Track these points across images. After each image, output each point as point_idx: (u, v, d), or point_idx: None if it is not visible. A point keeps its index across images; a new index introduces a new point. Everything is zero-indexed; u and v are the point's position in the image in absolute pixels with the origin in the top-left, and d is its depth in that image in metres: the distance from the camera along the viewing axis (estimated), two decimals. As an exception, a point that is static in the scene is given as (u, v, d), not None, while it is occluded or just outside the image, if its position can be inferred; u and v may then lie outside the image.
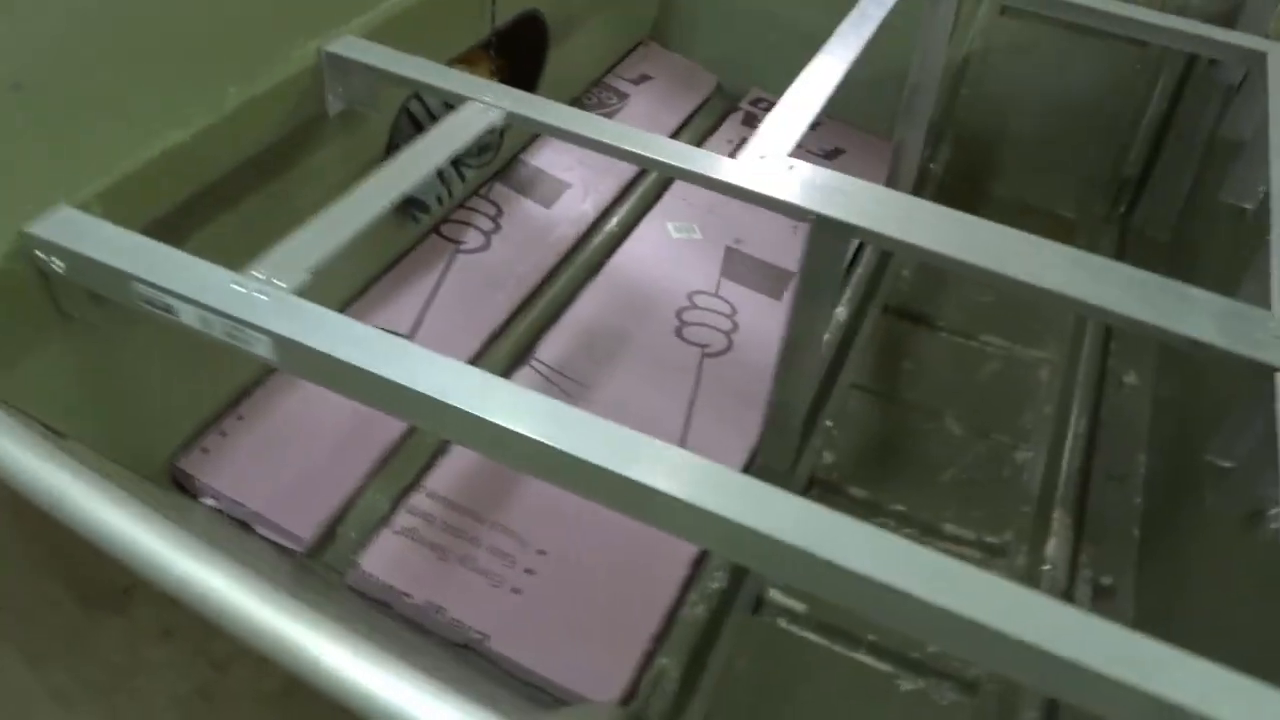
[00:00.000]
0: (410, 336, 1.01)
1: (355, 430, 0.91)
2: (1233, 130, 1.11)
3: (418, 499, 0.88)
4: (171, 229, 0.73)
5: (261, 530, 0.84)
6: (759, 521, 0.51)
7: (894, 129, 1.28)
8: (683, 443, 0.98)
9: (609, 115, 1.37)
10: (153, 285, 0.60)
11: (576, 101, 1.38)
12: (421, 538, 0.86)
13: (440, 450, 0.93)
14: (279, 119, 0.81)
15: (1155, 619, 0.92)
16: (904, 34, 1.14)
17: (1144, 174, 1.42)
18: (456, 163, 1.11)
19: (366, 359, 0.57)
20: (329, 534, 0.85)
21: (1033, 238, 0.73)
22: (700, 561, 0.90)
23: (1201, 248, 1.23)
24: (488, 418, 0.55)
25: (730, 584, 0.90)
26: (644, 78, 1.47)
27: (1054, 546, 0.98)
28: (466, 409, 0.55)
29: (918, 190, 1.44)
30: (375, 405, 0.59)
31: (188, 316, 0.60)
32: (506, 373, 1.01)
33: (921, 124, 1.27)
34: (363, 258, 1.04)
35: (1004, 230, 0.73)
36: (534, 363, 1.03)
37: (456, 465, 0.92)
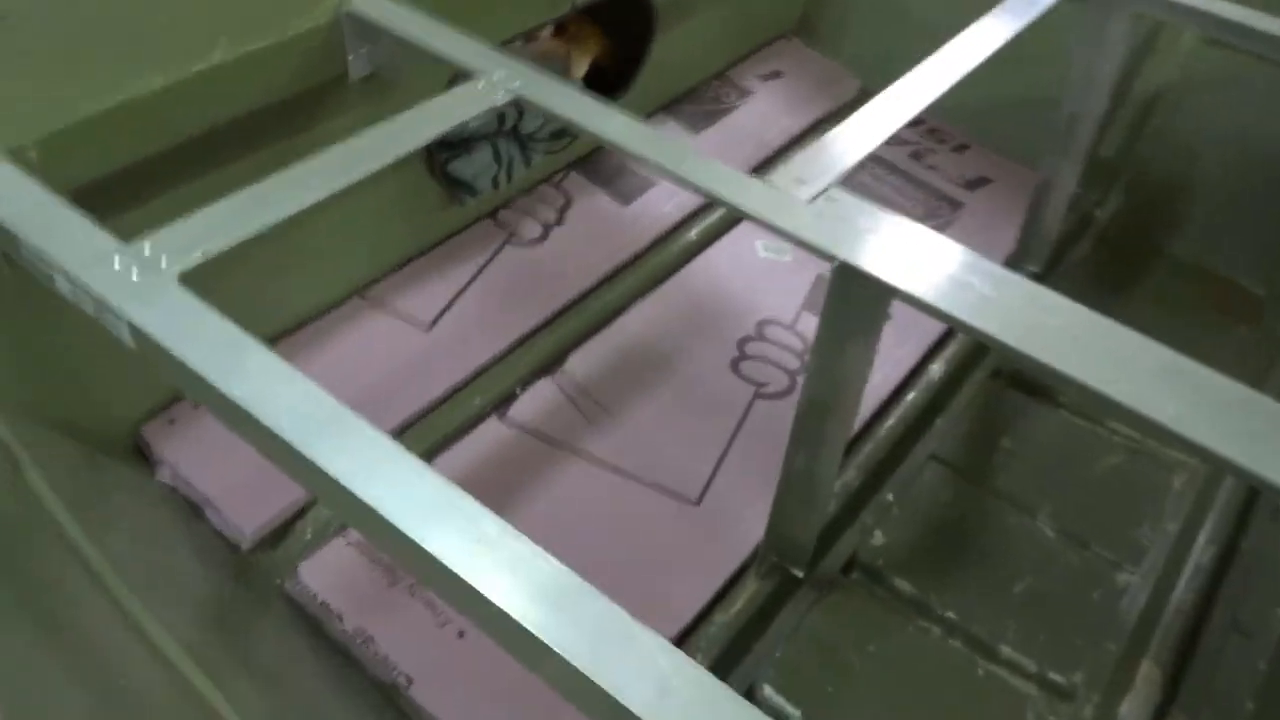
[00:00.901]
0: (428, 328, 0.93)
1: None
2: None
3: (381, 511, 0.80)
4: (134, 190, 0.67)
5: (210, 516, 0.78)
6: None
7: (1040, 162, 1.09)
8: (703, 494, 0.86)
9: (719, 114, 1.24)
10: (34, 249, 0.53)
11: (688, 95, 1.26)
12: (373, 553, 0.77)
13: (426, 456, 0.84)
14: (280, 79, 0.73)
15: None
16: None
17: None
18: (524, 145, 1.02)
19: (227, 378, 0.48)
20: (282, 530, 0.78)
21: (1167, 353, 0.56)
22: (684, 638, 0.78)
23: None
24: (363, 498, 0.44)
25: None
26: (775, 74, 1.33)
27: (1133, 704, 0.78)
28: (348, 487, 0.44)
29: (1073, 238, 1.23)
30: (237, 431, 0.49)
31: (62, 287, 0.53)
32: (525, 382, 0.91)
33: (1077, 160, 1.07)
34: (398, 232, 0.96)
35: (1123, 333, 0.56)
36: (559, 375, 0.93)
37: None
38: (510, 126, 1.00)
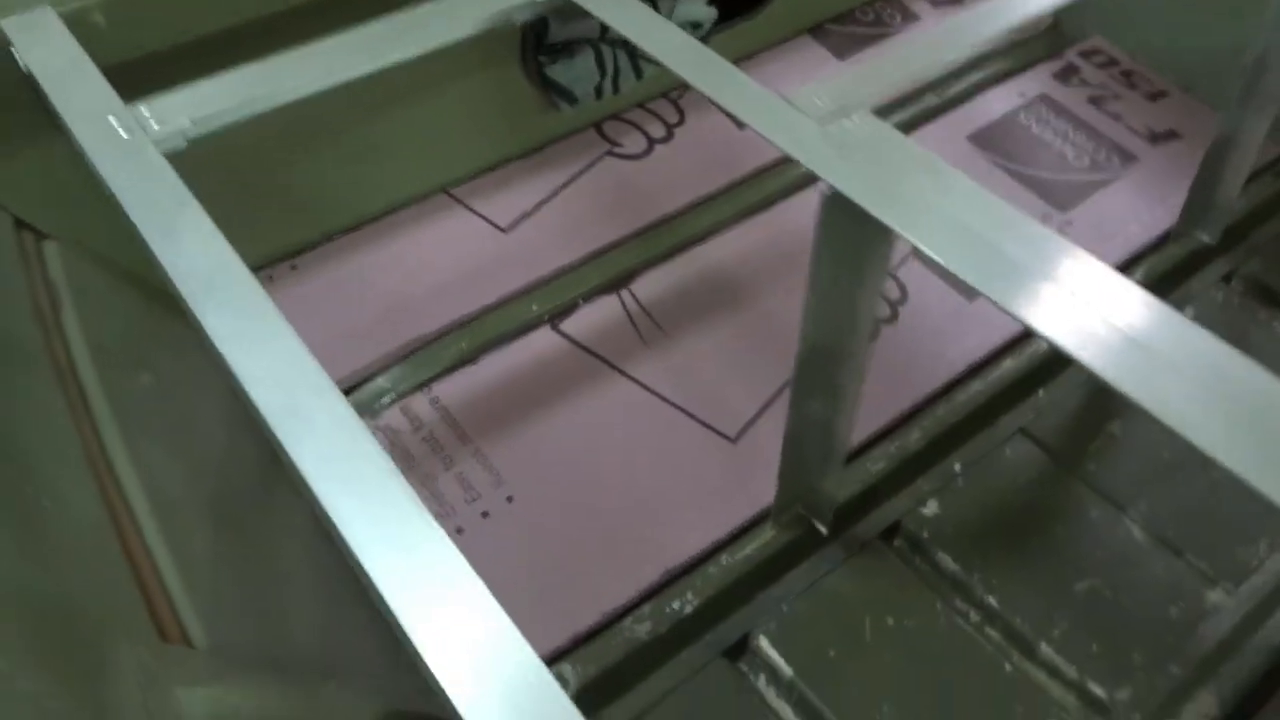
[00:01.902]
0: (507, 231, 0.94)
1: (399, 306, 0.87)
2: None
3: (418, 400, 0.82)
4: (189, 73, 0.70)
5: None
6: None
7: (1224, 115, 0.93)
8: (742, 433, 0.82)
9: (874, 39, 1.15)
10: (52, 103, 0.58)
11: (845, 16, 1.17)
12: (399, 441, 0.80)
13: (469, 358, 0.85)
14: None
15: None
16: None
17: None
18: (634, 54, 0.99)
19: (176, 256, 0.50)
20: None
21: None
22: (672, 583, 0.75)
23: None
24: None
25: (697, 613, 0.74)
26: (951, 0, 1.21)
27: (1175, 735, 0.69)
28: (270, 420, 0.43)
29: (1270, 209, 1.06)
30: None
31: (73, 144, 0.57)
32: (589, 296, 0.90)
33: (1267, 112, 0.91)
34: (491, 132, 0.97)
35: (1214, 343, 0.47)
36: (624, 292, 0.91)
37: (476, 377, 0.84)
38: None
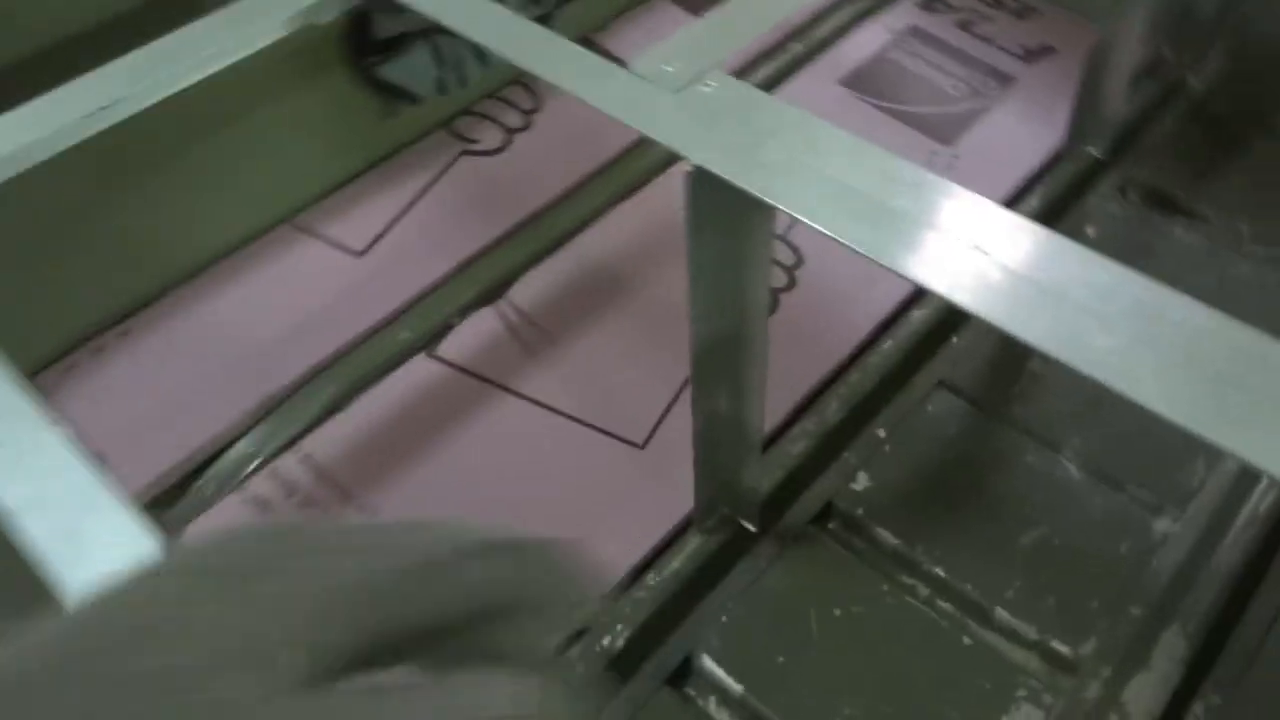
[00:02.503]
0: (360, 255, 0.85)
1: (252, 357, 0.78)
2: None
3: (286, 461, 0.73)
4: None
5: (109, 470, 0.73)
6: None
7: (1100, 23, 0.90)
8: (650, 436, 0.76)
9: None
10: None
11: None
12: (272, 511, 0.71)
13: (339, 404, 0.77)
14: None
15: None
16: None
17: None
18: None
19: None
20: (180, 485, 0.73)
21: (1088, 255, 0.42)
22: (599, 615, 0.69)
23: None
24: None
25: (630, 644, 0.68)
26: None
27: (1145, 684, 0.65)
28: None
29: (1155, 113, 1.03)
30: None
31: None
32: (464, 312, 0.83)
33: (1146, 12, 0.87)
34: (329, 149, 0.88)
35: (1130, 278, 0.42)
36: (501, 302, 0.83)
37: (350, 424, 0.76)
38: (454, 22, 0.89)
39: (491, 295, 0.84)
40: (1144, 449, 0.78)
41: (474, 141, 0.94)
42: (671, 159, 0.95)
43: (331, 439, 0.75)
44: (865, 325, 0.83)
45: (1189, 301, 0.40)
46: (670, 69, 0.51)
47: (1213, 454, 0.77)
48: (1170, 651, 0.66)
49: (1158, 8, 0.89)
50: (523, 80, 0.99)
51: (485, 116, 0.96)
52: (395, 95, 0.87)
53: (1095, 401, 0.81)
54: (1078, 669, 0.67)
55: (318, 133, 0.86)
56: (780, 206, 0.45)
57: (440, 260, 0.84)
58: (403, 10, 0.77)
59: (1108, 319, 0.39)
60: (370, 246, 0.85)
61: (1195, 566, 0.71)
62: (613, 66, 0.52)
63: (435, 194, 0.90)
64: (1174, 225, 0.94)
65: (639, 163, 0.93)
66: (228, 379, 0.77)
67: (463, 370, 0.79)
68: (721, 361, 0.57)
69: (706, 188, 0.47)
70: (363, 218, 0.87)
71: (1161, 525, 0.74)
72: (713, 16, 0.54)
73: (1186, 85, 1.06)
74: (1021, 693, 0.67)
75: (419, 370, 0.79)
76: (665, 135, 0.48)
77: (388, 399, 0.77)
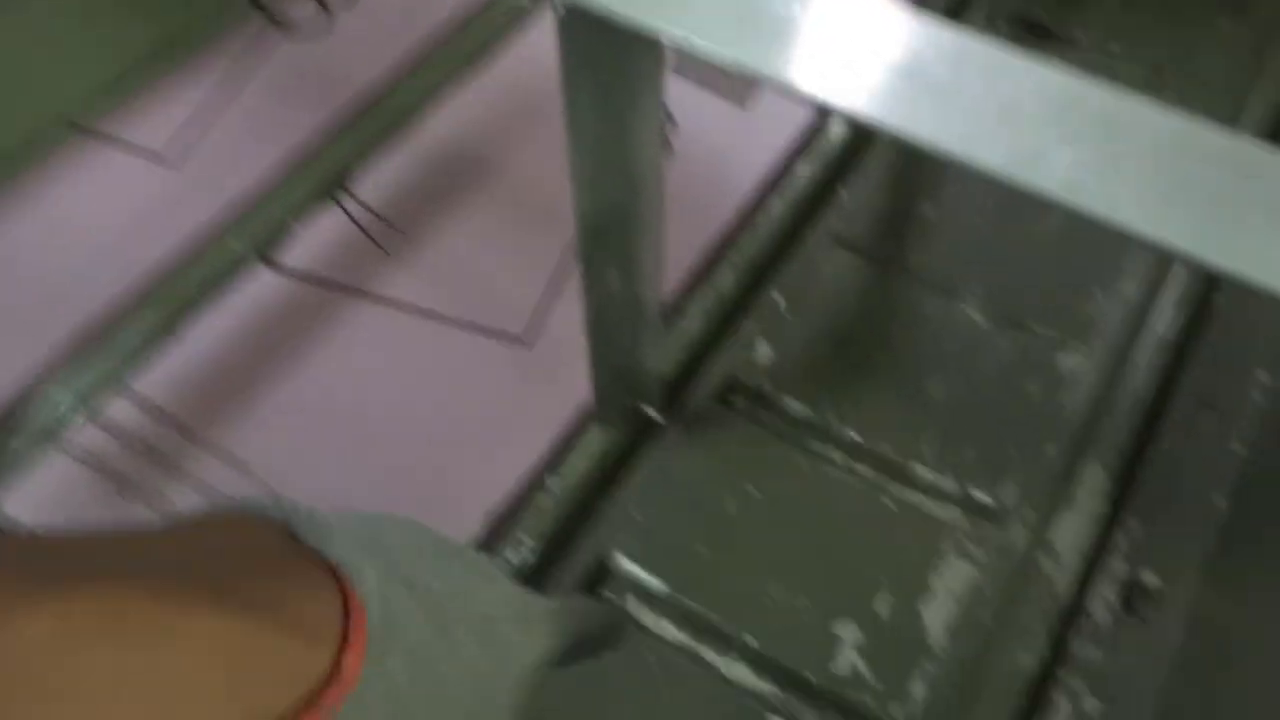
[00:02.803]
0: (175, 161, 0.73)
1: (58, 288, 0.66)
2: None
3: (114, 404, 0.63)
4: None
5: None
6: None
7: None
8: (535, 329, 0.68)
9: None
10: None
11: None
12: (104, 466, 0.61)
13: (167, 329, 0.66)
14: None
15: (1210, 652, 0.59)
16: None
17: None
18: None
19: None
20: (-12, 446, 0.62)
21: (996, 53, 0.36)
22: (501, 528, 0.62)
23: None
24: None
25: (540, 555, 0.62)
26: None
27: (1071, 523, 0.64)
28: None
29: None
30: None
31: None
32: (300, 213, 0.72)
33: None
34: (123, 41, 0.74)
35: (1030, 72, 0.36)
36: (344, 198, 0.73)
37: (185, 353, 0.66)
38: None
39: (331, 192, 0.73)
40: (1041, 286, 0.76)
41: (289, 22, 0.81)
42: (517, 21, 0.86)
43: (165, 373, 0.64)
44: (747, 185, 0.77)
45: (1152, 106, 0.34)
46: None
47: (1109, 282, 0.76)
48: (1092, 486, 0.65)
49: None
50: (335, -56, 0.86)
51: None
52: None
53: (988, 241, 0.78)
54: (1002, 517, 0.65)
55: (102, 18, 0.72)
56: (672, 31, 0.37)
57: (265, 158, 0.73)
58: None
59: (1070, 133, 0.33)
60: (180, 150, 0.73)
61: (1105, 397, 0.69)
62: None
63: (253, 85, 0.78)
64: (1047, 51, 0.91)
65: (481, 29, 0.82)
66: (32, 314, 0.65)
67: (309, 278, 0.69)
68: (611, 233, 0.50)
69: (581, 29, 0.39)
70: (167, 118, 0.75)
71: (1067, 360, 0.72)
72: None
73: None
74: (949, 547, 0.65)
75: (257, 283, 0.69)
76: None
77: (226, 319, 0.67)
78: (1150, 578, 0.63)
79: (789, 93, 0.36)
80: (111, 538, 0.25)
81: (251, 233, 0.70)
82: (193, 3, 0.78)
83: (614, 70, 0.42)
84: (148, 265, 0.68)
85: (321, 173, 0.73)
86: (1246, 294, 0.77)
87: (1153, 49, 0.90)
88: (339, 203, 0.73)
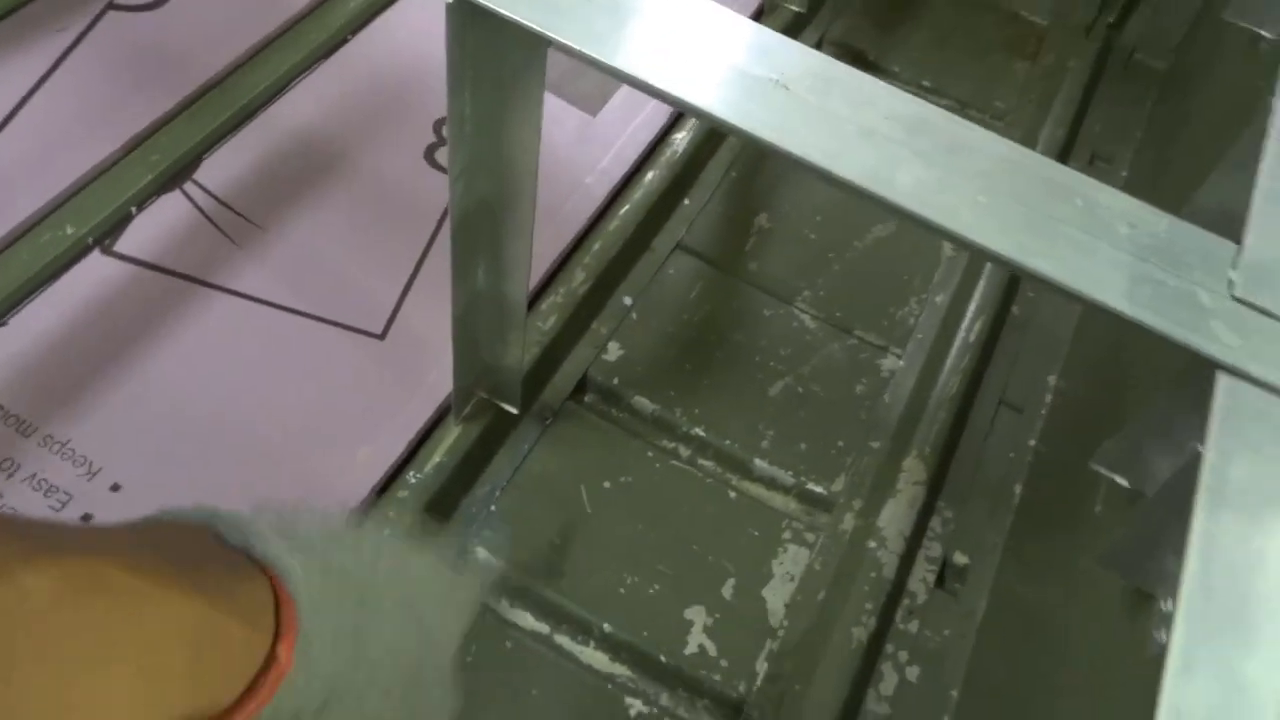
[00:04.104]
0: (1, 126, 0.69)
1: None
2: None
3: (-65, 397, 0.59)
4: None
5: None
6: None
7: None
8: (390, 323, 0.68)
9: None
10: None
11: None
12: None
13: (4, 308, 0.62)
14: None
15: (1011, 622, 0.66)
16: None
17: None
18: None
19: None
20: None
21: (858, 77, 0.41)
22: (367, 515, 0.62)
23: (1200, 85, 0.89)
24: None
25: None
26: None
27: (895, 508, 0.70)
28: None
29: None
30: None
31: None
32: (142, 200, 0.69)
33: None
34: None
35: (869, 86, 0.40)
36: (189, 185, 0.71)
37: (16, 343, 0.62)
38: None
39: (175, 178, 0.71)
40: (866, 294, 0.82)
41: (121, -5, 0.78)
42: (373, 10, 0.85)
43: (10, 346, 0.60)
44: (600, 191, 0.80)
45: (986, 133, 0.40)
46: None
47: (925, 293, 0.83)
48: (912, 476, 0.71)
49: None
50: (174, -79, 0.83)
51: (132, -36, 0.80)
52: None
53: (819, 252, 0.85)
54: (833, 506, 0.71)
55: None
56: (555, 37, 0.39)
57: (102, 140, 0.70)
58: None
59: (921, 153, 0.38)
60: (2, 125, 0.69)
61: (922, 397, 0.76)
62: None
63: (79, 59, 0.74)
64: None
65: (333, 16, 0.82)
66: None
67: (152, 267, 0.67)
68: (485, 227, 0.52)
69: (471, 22, 0.41)
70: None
71: (888, 363, 0.79)
72: None
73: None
74: (787, 535, 0.69)
75: (95, 270, 0.66)
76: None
77: (61, 309, 0.63)
78: (960, 557, 0.70)
79: (675, 105, 0.39)
80: (73, 525, 0.25)
81: (87, 218, 0.67)
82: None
83: (498, 64, 0.43)
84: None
85: (164, 158, 0.71)
86: (1039, 304, 0.86)
87: (959, 85, 1.00)
88: (183, 190, 0.70)
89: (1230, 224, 0.40)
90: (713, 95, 0.39)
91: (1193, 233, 0.39)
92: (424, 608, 0.34)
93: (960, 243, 0.38)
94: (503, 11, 0.40)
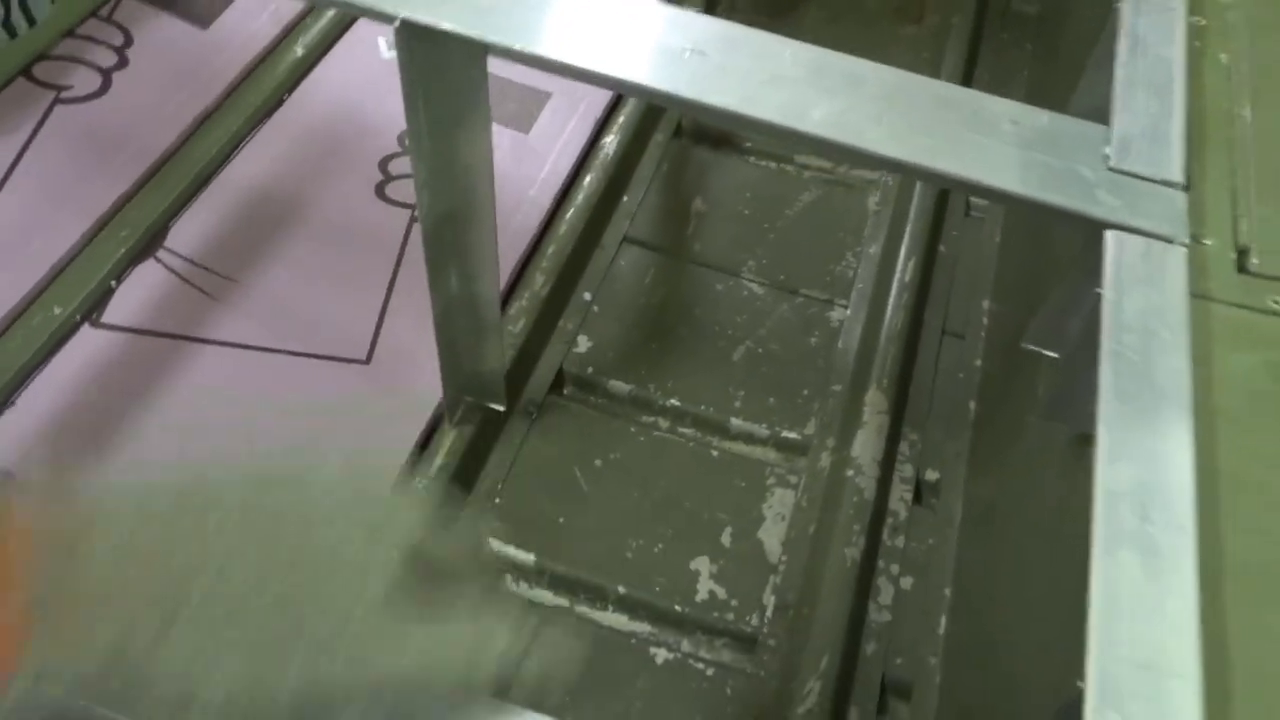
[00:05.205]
0: (-32, 235, 0.72)
1: None
2: None
3: (-45, 479, 0.62)
4: None
5: None
6: None
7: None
8: (373, 348, 0.73)
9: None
10: None
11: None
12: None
13: (5, 393, 0.66)
14: None
15: (982, 514, 0.72)
16: None
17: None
18: (34, -27, 0.78)
19: None
20: None
21: (762, 36, 0.47)
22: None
23: (1067, 18, 0.97)
24: None
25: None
26: None
27: (865, 438, 0.76)
28: None
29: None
30: None
31: None
32: (120, 273, 0.73)
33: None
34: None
35: (787, 46, 0.46)
36: (162, 253, 0.75)
37: (23, 422, 0.65)
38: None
39: (148, 249, 0.75)
40: (804, 256, 0.88)
41: (66, 87, 0.82)
42: (304, 68, 0.90)
43: (2, 442, 0.64)
44: (545, 201, 0.85)
45: (878, 66, 0.46)
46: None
47: (858, 246, 0.89)
48: (875, 407, 0.77)
49: None
50: (102, 15, 0.87)
51: (70, 59, 0.84)
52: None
53: (754, 223, 0.91)
54: (809, 448, 0.76)
55: None
56: (502, 42, 0.45)
57: (70, 223, 0.74)
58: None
59: (825, 90, 0.44)
60: (-27, 224, 0.73)
61: (872, 337, 0.82)
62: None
63: (37, 152, 0.78)
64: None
65: (266, 80, 0.86)
66: None
67: (139, 331, 0.71)
68: (452, 234, 0.57)
69: (416, 40, 0.46)
70: (-48, 195, 0.74)
71: (837, 314, 0.85)
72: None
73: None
74: (771, 481, 0.75)
75: (87, 344, 0.69)
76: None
77: (60, 384, 0.67)
78: (931, 474, 0.76)
79: (607, 85, 0.45)
80: None
81: (71, 296, 0.71)
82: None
83: (445, 77, 0.49)
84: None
85: (134, 231, 0.75)
86: (963, 240, 0.93)
87: (854, 51, 1.07)
88: (157, 258, 0.74)
89: (1103, 114, 0.46)
90: (638, 69, 0.45)
91: (1069, 122, 0.45)
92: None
93: (870, 159, 0.43)
94: (442, 25, 0.45)
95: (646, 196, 0.91)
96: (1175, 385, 0.35)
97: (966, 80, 1.05)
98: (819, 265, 0.88)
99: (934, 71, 1.04)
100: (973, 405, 0.79)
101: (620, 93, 0.86)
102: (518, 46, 0.45)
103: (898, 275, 0.86)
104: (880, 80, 0.45)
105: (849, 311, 0.85)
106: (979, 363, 0.82)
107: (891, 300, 0.85)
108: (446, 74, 0.48)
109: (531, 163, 0.87)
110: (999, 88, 1.04)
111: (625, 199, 0.90)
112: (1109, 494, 0.33)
